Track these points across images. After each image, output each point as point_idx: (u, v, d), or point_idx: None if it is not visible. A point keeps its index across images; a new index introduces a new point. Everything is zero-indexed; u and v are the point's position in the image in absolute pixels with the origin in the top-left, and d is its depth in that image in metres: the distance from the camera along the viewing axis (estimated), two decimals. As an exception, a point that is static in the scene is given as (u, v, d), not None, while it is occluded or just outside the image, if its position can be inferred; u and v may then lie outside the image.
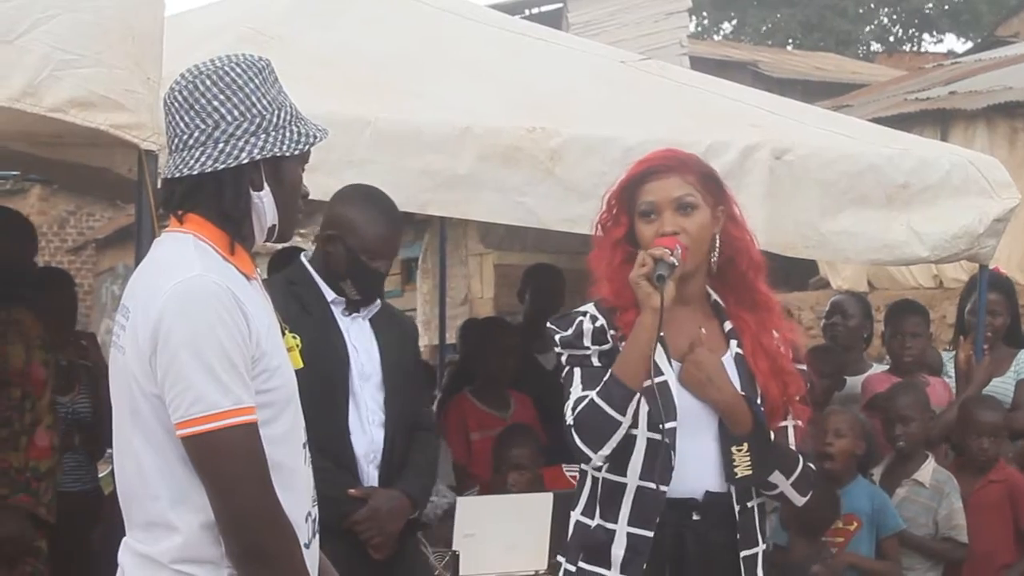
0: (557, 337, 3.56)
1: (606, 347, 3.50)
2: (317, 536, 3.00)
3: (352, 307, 4.56)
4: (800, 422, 3.67)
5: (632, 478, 3.47)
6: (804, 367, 3.69)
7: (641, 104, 5.79)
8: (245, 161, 2.83)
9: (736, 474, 3.50)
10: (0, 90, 3.84)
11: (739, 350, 3.61)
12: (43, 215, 24.29)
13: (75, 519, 5.93)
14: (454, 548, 5.06)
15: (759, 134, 5.57)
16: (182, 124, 2.85)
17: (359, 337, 4.54)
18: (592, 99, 5.72)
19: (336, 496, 4.33)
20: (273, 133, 2.85)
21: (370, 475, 4.49)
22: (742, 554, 3.55)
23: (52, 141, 4.94)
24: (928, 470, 5.79)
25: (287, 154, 2.87)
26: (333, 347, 4.45)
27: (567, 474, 5.54)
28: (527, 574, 5.12)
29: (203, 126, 2.83)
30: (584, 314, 3.56)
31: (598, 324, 3.52)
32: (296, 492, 2.87)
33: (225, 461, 2.71)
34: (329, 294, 4.53)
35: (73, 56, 3.87)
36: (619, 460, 3.47)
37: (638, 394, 3.43)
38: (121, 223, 20.69)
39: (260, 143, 2.84)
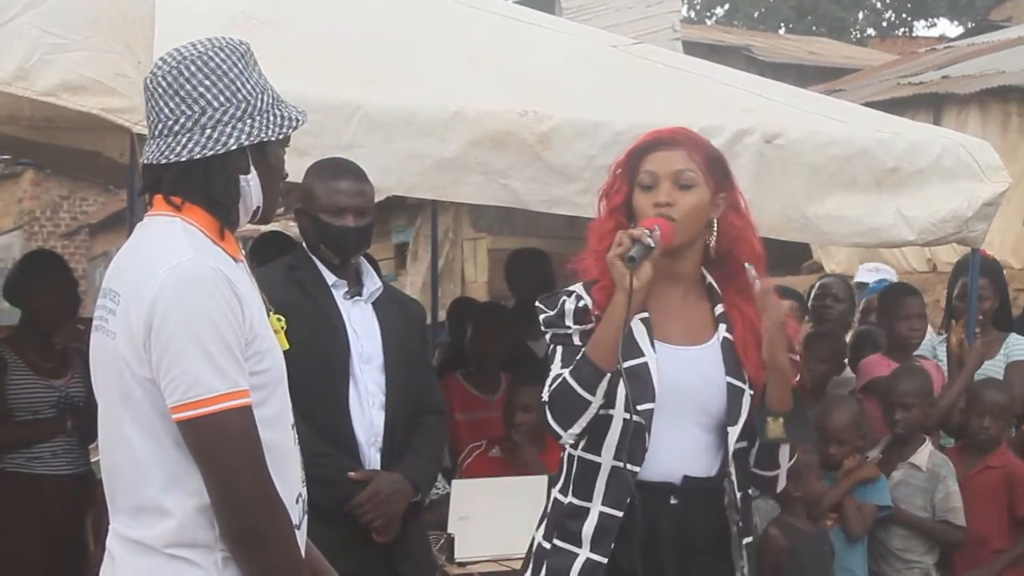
0: (542, 317, 3.56)
1: (588, 327, 3.49)
2: (306, 517, 3.00)
3: (353, 290, 4.56)
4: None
5: (607, 458, 3.48)
6: (797, 358, 3.68)
7: (633, 88, 5.79)
8: (234, 147, 2.83)
9: (767, 435, 3.50)
10: (-10, 74, 3.84)
11: (728, 335, 3.59)
12: (36, 200, 24.33)
13: (67, 503, 5.95)
14: (449, 531, 5.08)
15: (751, 118, 5.57)
16: (167, 110, 2.84)
17: (360, 320, 4.53)
18: (584, 83, 5.72)
19: (337, 479, 4.34)
20: (258, 117, 2.85)
21: (372, 458, 4.47)
22: (734, 529, 3.55)
23: (44, 125, 4.94)
24: (925, 453, 5.80)
25: (272, 138, 2.88)
26: (333, 330, 4.45)
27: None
28: (522, 557, 5.12)
29: (189, 112, 2.83)
30: (569, 293, 3.55)
31: (581, 304, 3.51)
32: (287, 474, 2.88)
33: (223, 444, 2.71)
34: (330, 278, 4.53)
35: (63, 40, 3.86)
36: (595, 439, 3.48)
37: (608, 375, 3.41)
38: (114, 208, 20.71)
39: (247, 128, 2.84)
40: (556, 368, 3.48)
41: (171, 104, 2.84)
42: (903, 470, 5.81)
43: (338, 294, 4.53)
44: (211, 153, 2.83)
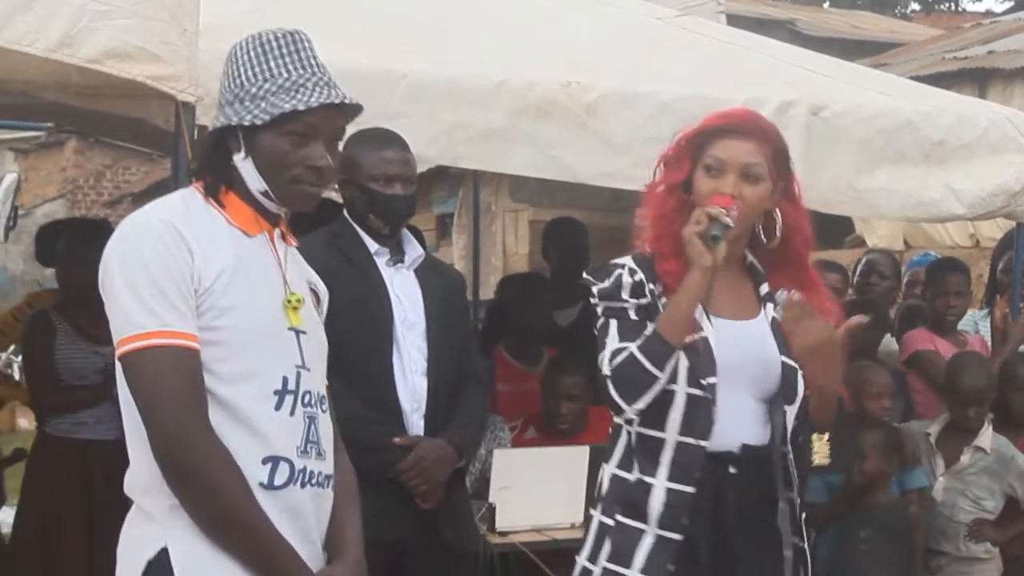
0: (595, 288, 3.52)
1: (643, 301, 3.48)
2: (309, 486, 2.96)
3: (395, 257, 4.58)
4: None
5: (671, 433, 3.46)
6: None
7: (677, 60, 5.77)
8: (210, 128, 2.97)
9: (812, 461, 3.50)
10: (37, 41, 3.86)
11: (776, 315, 3.59)
12: (79, 168, 24.43)
13: (112, 467, 6.00)
14: (490, 501, 5.09)
15: (795, 91, 5.54)
16: None
17: (403, 287, 4.55)
18: (628, 55, 5.70)
19: (381, 445, 4.35)
20: (248, 103, 2.91)
21: (416, 424, 4.48)
22: (781, 504, 3.54)
23: (90, 92, 4.95)
24: (988, 435, 5.75)
25: (245, 124, 2.91)
26: (376, 297, 4.47)
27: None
28: (563, 527, 5.14)
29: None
30: (623, 266, 3.53)
31: (636, 278, 3.49)
32: (257, 435, 2.88)
33: (148, 380, 2.80)
34: (372, 245, 4.55)
35: (109, 7, 3.88)
36: (657, 415, 3.46)
37: (678, 352, 3.42)
38: (157, 177, 20.75)
39: (228, 112, 2.94)
40: (614, 342, 3.44)
41: None
42: (969, 454, 5.76)
43: (380, 261, 4.55)
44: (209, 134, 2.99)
